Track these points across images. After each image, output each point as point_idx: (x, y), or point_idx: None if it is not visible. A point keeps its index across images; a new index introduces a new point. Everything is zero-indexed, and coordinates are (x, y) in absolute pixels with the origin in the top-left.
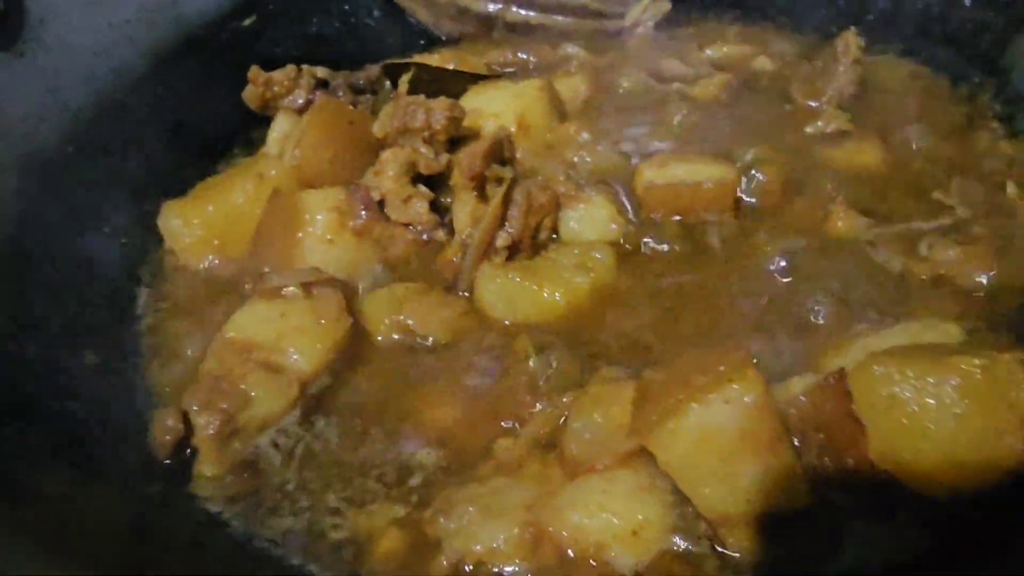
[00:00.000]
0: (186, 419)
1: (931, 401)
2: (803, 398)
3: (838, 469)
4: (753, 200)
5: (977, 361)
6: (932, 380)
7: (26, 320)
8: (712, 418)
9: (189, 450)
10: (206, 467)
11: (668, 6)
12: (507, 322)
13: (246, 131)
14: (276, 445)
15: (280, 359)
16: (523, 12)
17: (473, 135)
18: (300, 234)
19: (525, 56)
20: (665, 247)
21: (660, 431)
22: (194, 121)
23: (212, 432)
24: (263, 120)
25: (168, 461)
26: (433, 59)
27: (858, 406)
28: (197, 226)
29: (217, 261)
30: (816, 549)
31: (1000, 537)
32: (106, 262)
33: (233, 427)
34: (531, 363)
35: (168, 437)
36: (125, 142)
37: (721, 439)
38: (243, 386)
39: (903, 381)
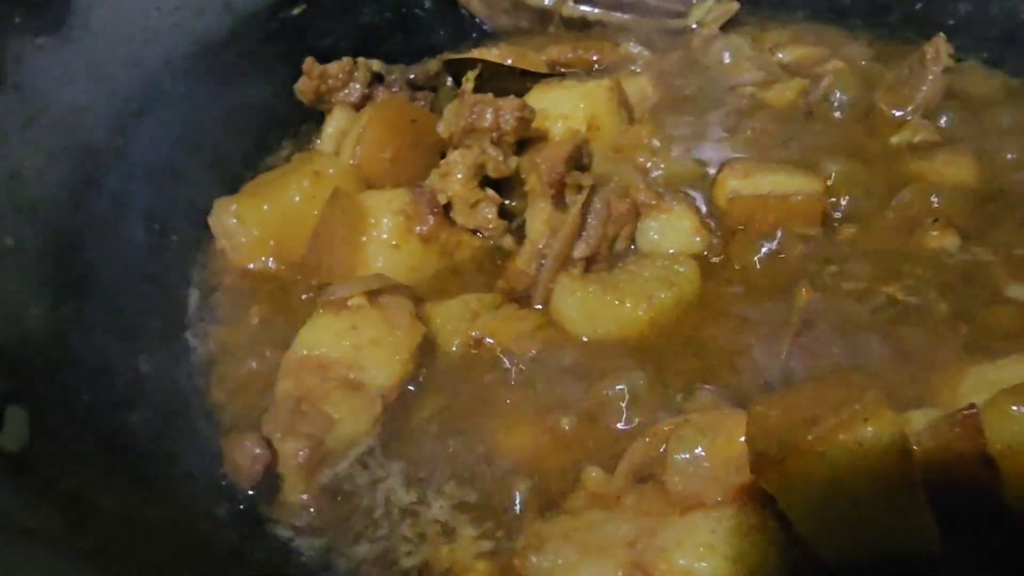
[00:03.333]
0: (268, 443)
1: None
2: (926, 434)
3: (967, 515)
4: (841, 213)
5: None
6: None
7: (77, 320)
8: (844, 460)
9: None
10: (293, 494)
11: (736, 7)
12: (586, 338)
13: (296, 124)
14: (364, 465)
15: (359, 375)
16: (581, 7)
17: (541, 137)
18: (364, 238)
19: (585, 54)
20: (753, 261)
21: (784, 471)
22: (243, 113)
23: (302, 460)
24: (313, 114)
25: (252, 491)
26: (492, 54)
27: (991, 449)
28: (252, 225)
29: (272, 262)
30: None
31: None
32: (156, 262)
33: (323, 453)
34: (620, 385)
35: (257, 466)
36: (173, 133)
37: (852, 483)
38: (325, 408)
39: None
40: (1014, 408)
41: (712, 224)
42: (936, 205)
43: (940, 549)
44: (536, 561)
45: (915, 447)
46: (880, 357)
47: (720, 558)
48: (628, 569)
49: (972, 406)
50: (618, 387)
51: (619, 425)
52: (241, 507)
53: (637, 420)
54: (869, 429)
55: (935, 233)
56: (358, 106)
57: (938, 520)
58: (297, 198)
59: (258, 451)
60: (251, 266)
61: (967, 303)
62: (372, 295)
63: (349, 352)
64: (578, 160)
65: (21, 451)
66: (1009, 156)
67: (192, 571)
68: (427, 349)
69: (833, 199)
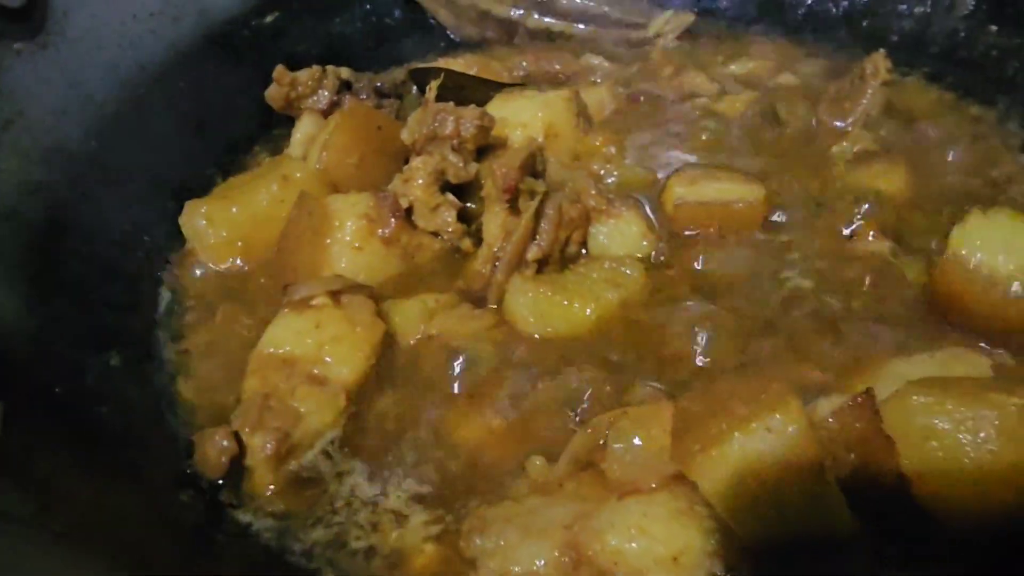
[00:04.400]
0: (236, 437)
1: (967, 435)
2: (831, 419)
3: (872, 492)
4: (780, 219)
5: (1015, 399)
6: (970, 415)
7: (51, 317)
8: (755, 447)
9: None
10: (260, 485)
11: (691, 18)
12: (537, 336)
13: (267, 129)
14: (328, 455)
15: (323, 371)
16: (545, 19)
17: (500, 144)
18: (328, 240)
19: (547, 65)
20: (695, 265)
21: (703, 459)
22: (216, 118)
23: (270, 452)
24: (284, 119)
25: (221, 480)
26: (457, 64)
27: (893, 432)
28: (221, 227)
29: (240, 263)
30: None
31: None
32: (128, 261)
33: (289, 445)
34: (566, 380)
35: (224, 458)
36: (147, 137)
37: (764, 468)
38: (292, 402)
39: (942, 413)
40: (916, 398)
41: (659, 229)
42: (870, 211)
43: (852, 527)
44: (480, 543)
45: (823, 431)
46: (813, 354)
47: (650, 539)
48: (564, 549)
49: (868, 391)
50: (564, 382)
51: (563, 417)
52: (205, 494)
53: (580, 412)
54: (776, 416)
55: (869, 238)
56: (326, 112)
57: (852, 502)
58: (265, 201)
59: (226, 444)
60: (220, 266)
61: (895, 304)
62: (335, 294)
63: (313, 349)
64: (532, 167)
65: None
66: (940, 166)
67: (157, 550)
68: (387, 346)
69: (774, 205)
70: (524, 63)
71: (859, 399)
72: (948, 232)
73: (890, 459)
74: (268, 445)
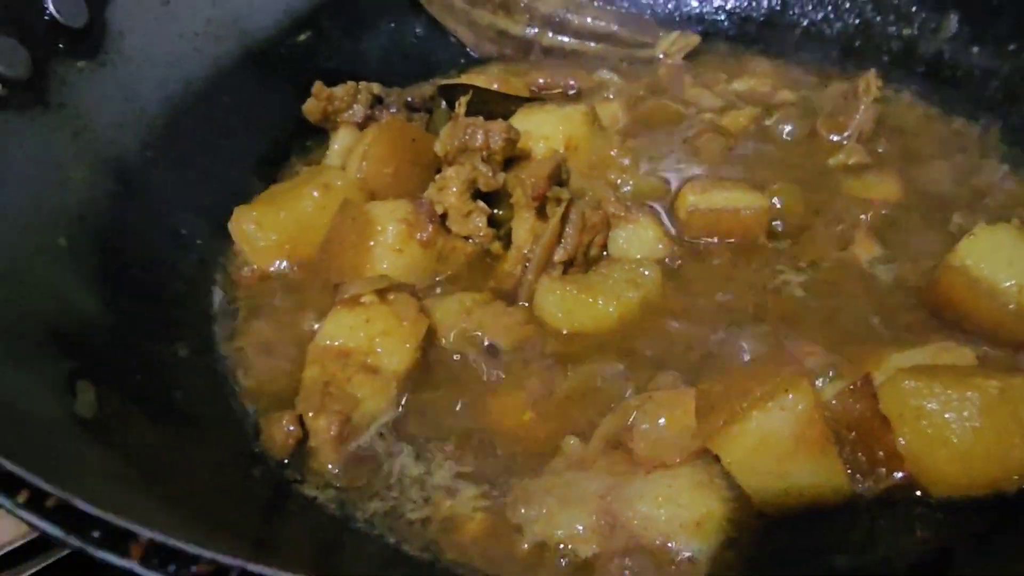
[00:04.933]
0: (300, 421)
1: (953, 414)
2: (835, 401)
3: (869, 466)
4: (782, 225)
5: (994, 382)
6: (955, 396)
7: (124, 313)
8: (770, 424)
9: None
10: (323, 463)
11: (697, 39)
12: (565, 331)
13: (301, 139)
14: (382, 435)
15: (375, 361)
16: (559, 38)
17: (525, 155)
18: (371, 243)
19: (563, 80)
20: (707, 265)
21: (725, 435)
22: (254, 129)
23: (334, 433)
24: (316, 130)
25: (287, 461)
26: (480, 79)
27: (889, 413)
28: (270, 230)
29: (286, 265)
30: (851, 538)
31: (1008, 540)
32: (183, 262)
33: (350, 427)
34: (592, 369)
35: (290, 440)
36: (194, 148)
37: (778, 442)
38: (349, 389)
39: (930, 395)
40: (907, 383)
41: (673, 233)
42: (864, 218)
43: (851, 495)
44: (524, 511)
45: (827, 411)
46: (817, 345)
47: (676, 506)
48: (600, 515)
49: (866, 376)
50: (592, 371)
51: (593, 403)
52: (272, 471)
53: (609, 398)
54: (789, 396)
55: (864, 243)
56: (361, 125)
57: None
58: (309, 207)
59: (292, 428)
60: (267, 267)
61: (891, 303)
62: (381, 292)
63: (365, 342)
64: (558, 177)
65: (94, 418)
66: (927, 177)
67: (241, 518)
68: (429, 339)
69: (777, 213)
70: (542, 79)
71: (858, 383)
72: (941, 235)
73: (885, 436)
74: (332, 427)
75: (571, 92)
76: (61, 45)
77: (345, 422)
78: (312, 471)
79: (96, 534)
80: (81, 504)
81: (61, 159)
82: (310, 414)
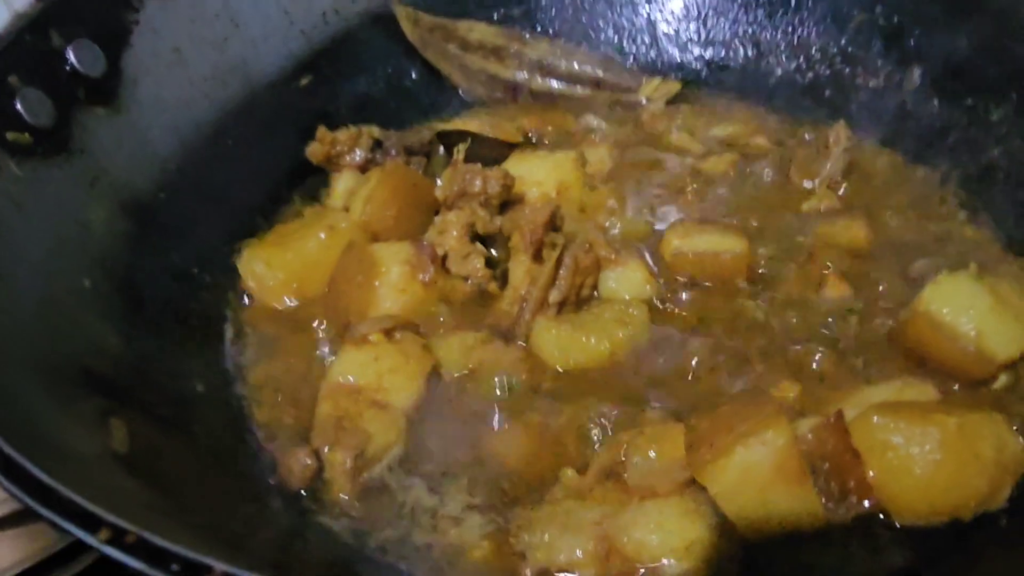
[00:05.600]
0: (315, 454)
1: (916, 448)
2: (810, 435)
3: (842, 495)
4: (760, 268)
5: (954, 419)
6: (919, 431)
7: (144, 351)
8: (752, 457)
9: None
10: (338, 494)
11: (678, 86)
12: (560, 368)
13: (302, 180)
14: (391, 469)
15: (384, 397)
16: (547, 82)
17: (519, 200)
18: (376, 283)
19: (552, 125)
20: (690, 307)
21: (711, 468)
22: (259, 169)
23: (349, 466)
24: (316, 170)
25: (304, 491)
26: (473, 124)
27: (859, 446)
28: (278, 270)
29: (292, 301)
30: (825, 561)
31: (966, 561)
32: (195, 300)
33: (365, 459)
34: (587, 404)
35: (307, 473)
36: (203, 189)
37: (759, 474)
38: (362, 424)
39: (896, 431)
40: (876, 419)
41: (659, 275)
42: (835, 261)
43: (826, 523)
44: (527, 538)
45: (804, 445)
46: (793, 382)
47: (666, 533)
48: (597, 542)
49: (838, 412)
50: (587, 406)
51: (588, 436)
52: (289, 502)
53: (602, 431)
54: (770, 432)
55: (835, 285)
56: (362, 168)
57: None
58: (315, 247)
59: (308, 461)
60: (275, 304)
61: (861, 340)
62: (388, 332)
63: (374, 378)
64: (553, 223)
65: (128, 453)
66: (892, 222)
67: (263, 543)
68: (434, 376)
69: (755, 256)
70: (530, 123)
71: (831, 419)
72: (904, 280)
73: (856, 467)
74: (347, 460)
75: (560, 137)
76: (81, 94)
77: (359, 455)
78: (328, 502)
79: (175, 567)
80: (157, 540)
81: (82, 203)
82: (326, 448)
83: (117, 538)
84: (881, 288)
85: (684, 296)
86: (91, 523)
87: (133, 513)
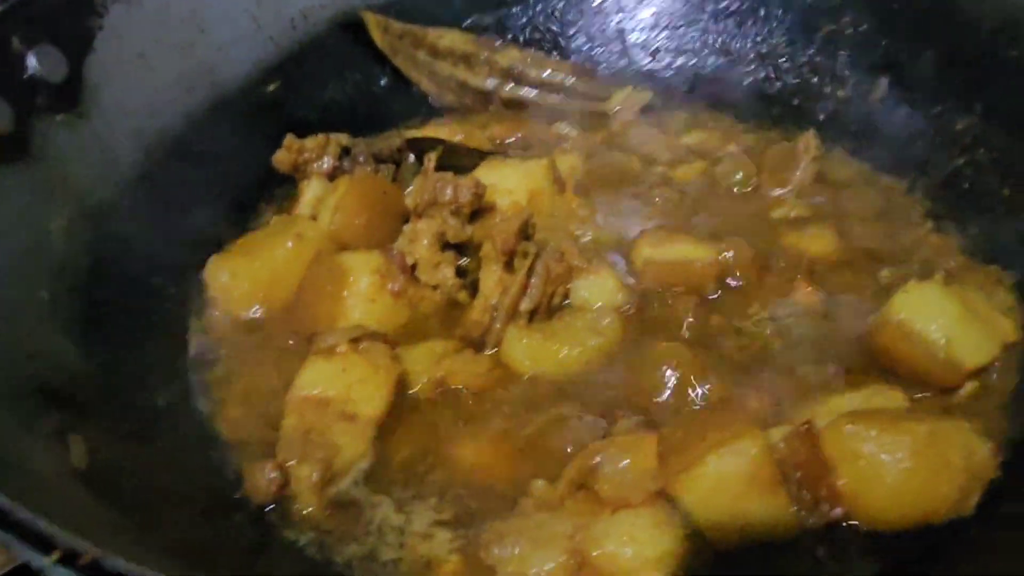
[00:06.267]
0: (281, 468)
1: (887, 456)
2: (782, 444)
3: (814, 503)
4: (732, 276)
5: (924, 426)
6: (889, 439)
7: (105, 363)
8: (725, 467)
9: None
10: (304, 508)
11: (649, 95)
12: (531, 376)
13: (270, 187)
14: (356, 483)
15: (352, 408)
16: (518, 89)
17: (490, 208)
18: (345, 293)
19: (523, 133)
20: (661, 314)
21: (684, 478)
22: (225, 177)
23: (316, 480)
24: (284, 178)
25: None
26: (444, 131)
27: (829, 454)
28: (244, 280)
29: (260, 312)
30: (797, 569)
31: (935, 569)
32: (159, 310)
33: (331, 473)
34: (558, 413)
35: (273, 487)
36: (168, 196)
37: (732, 483)
38: (329, 437)
39: (867, 439)
40: (847, 427)
41: (631, 283)
42: (805, 269)
43: (797, 531)
44: (497, 552)
45: (776, 454)
46: (764, 391)
47: (638, 544)
48: (568, 555)
49: (807, 422)
50: (558, 416)
51: (559, 446)
52: (254, 517)
53: (574, 441)
54: (742, 442)
55: (804, 293)
56: (330, 176)
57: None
58: (283, 256)
59: (274, 475)
60: (241, 314)
61: (828, 349)
62: (355, 342)
63: (342, 390)
64: (525, 232)
65: (87, 469)
66: (860, 230)
67: (227, 559)
68: (403, 386)
69: (725, 265)
70: (501, 131)
71: (802, 428)
72: (872, 287)
73: (827, 475)
74: (314, 474)
75: (532, 145)
76: (41, 100)
77: (326, 469)
78: (293, 516)
79: None
80: (112, 561)
81: (41, 212)
82: (292, 462)
83: (70, 559)
84: (850, 296)
85: (656, 304)
86: (43, 544)
87: (90, 532)
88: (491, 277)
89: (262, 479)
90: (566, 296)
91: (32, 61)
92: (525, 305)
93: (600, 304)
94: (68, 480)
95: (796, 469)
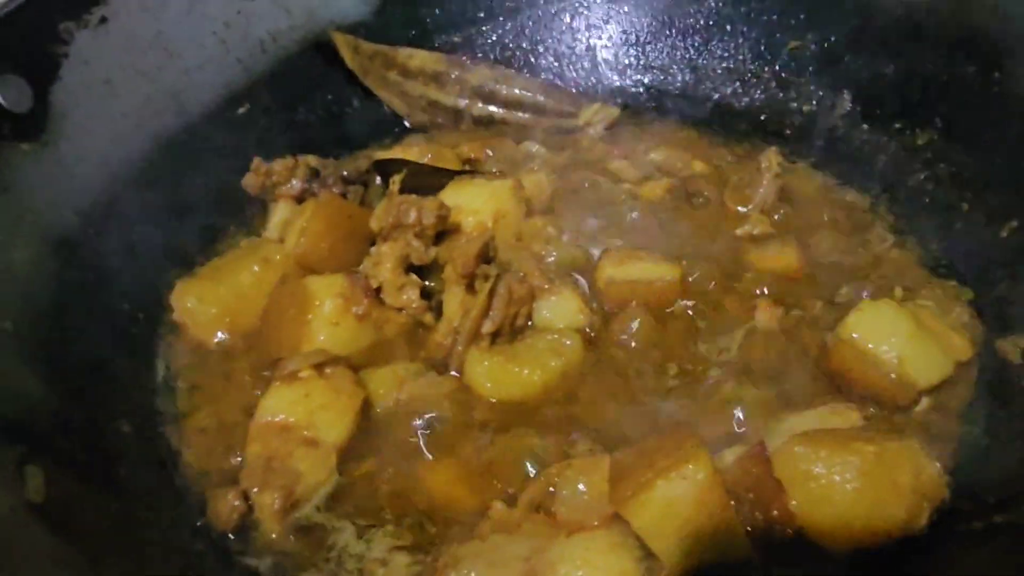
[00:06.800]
0: (244, 495)
1: (837, 477)
2: (734, 465)
3: (766, 524)
4: (694, 295)
5: (872, 448)
6: (838, 461)
7: (67, 392)
8: (674, 491)
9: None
10: (267, 535)
11: (617, 112)
12: (493, 399)
13: (239, 210)
14: (318, 509)
15: (315, 434)
16: (488, 107)
17: (455, 229)
18: (310, 316)
19: (491, 152)
20: (623, 336)
21: (634, 502)
22: (194, 201)
23: (278, 507)
24: (254, 200)
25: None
26: (412, 152)
27: (781, 476)
28: (210, 304)
29: (226, 336)
30: None
31: None
32: (124, 337)
33: (293, 500)
34: (518, 436)
35: (235, 515)
36: (136, 222)
37: (681, 508)
38: (291, 463)
39: (817, 460)
40: (797, 449)
41: (593, 304)
42: (768, 286)
43: (749, 553)
44: None
45: (728, 476)
46: (721, 412)
47: (593, 568)
48: None
49: (761, 443)
50: (517, 438)
51: (519, 469)
52: (216, 544)
53: (531, 464)
54: (690, 466)
55: (767, 310)
56: (299, 198)
57: (751, 530)
58: (249, 280)
59: (237, 503)
60: (208, 339)
61: (786, 367)
62: (318, 367)
63: (305, 416)
64: (486, 254)
65: (43, 502)
66: (823, 245)
67: None
68: (366, 410)
69: (688, 283)
70: (470, 150)
71: (754, 450)
72: (832, 305)
73: (779, 497)
74: (276, 501)
75: (499, 164)
76: (6, 130)
77: (288, 496)
78: (255, 543)
79: None
80: None
81: (5, 243)
82: (254, 490)
83: None
84: (810, 313)
85: (617, 325)
86: None
87: (40, 571)
88: (453, 300)
89: (224, 507)
90: (529, 317)
91: None
92: (487, 327)
93: (562, 325)
94: (22, 515)
95: (748, 491)
